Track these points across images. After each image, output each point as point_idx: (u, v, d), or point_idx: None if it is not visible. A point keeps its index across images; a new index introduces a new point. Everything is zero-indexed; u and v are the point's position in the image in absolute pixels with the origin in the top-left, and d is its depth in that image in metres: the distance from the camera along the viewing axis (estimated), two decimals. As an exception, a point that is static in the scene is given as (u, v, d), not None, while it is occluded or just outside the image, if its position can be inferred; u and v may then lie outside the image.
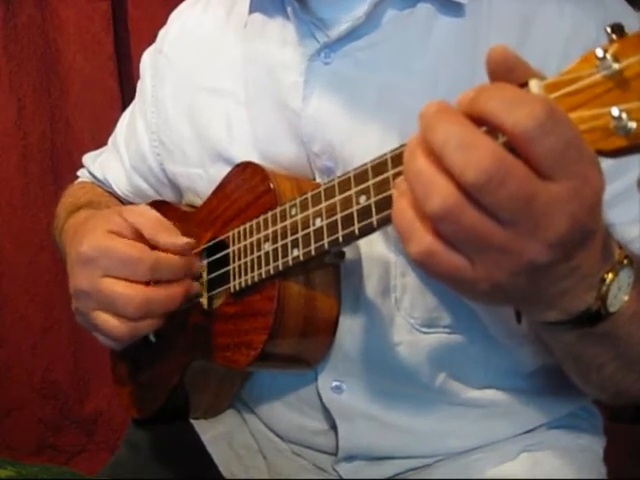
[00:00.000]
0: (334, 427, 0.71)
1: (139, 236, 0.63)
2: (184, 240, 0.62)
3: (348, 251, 0.63)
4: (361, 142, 0.63)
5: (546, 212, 0.36)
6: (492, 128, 0.37)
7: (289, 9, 0.68)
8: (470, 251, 0.38)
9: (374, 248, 0.65)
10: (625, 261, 0.45)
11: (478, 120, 0.37)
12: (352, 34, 0.64)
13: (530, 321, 0.53)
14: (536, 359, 0.67)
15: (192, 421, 0.81)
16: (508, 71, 0.39)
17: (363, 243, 0.64)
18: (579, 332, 0.48)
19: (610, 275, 0.44)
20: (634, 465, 1.19)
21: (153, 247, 0.62)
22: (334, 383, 0.69)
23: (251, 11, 0.73)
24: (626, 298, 0.46)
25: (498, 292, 0.40)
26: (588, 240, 0.40)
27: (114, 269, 0.61)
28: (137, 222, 0.63)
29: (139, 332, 0.62)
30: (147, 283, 0.61)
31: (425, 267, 0.40)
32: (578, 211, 0.37)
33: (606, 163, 0.38)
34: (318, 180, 0.67)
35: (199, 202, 0.75)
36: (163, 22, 0.86)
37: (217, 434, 0.79)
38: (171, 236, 0.62)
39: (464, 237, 0.38)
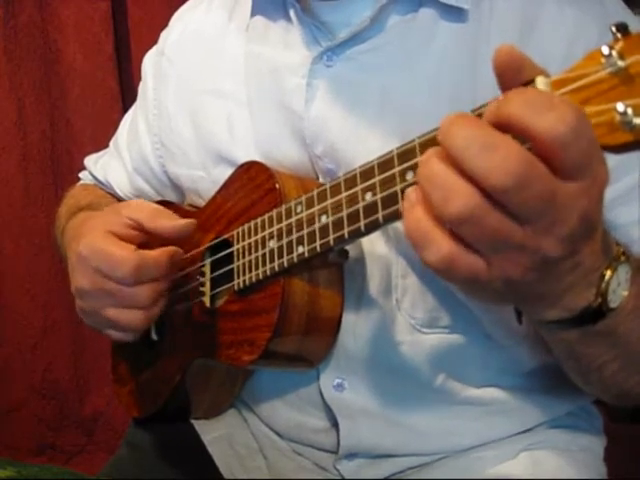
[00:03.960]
0: (335, 425, 0.71)
1: (139, 230, 0.63)
2: (184, 221, 0.62)
3: (351, 251, 0.63)
4: (363, 145, 0.64)
5: (561, 209, 0.37)
6: (518, 133, 0.36)
7: (292, 12, 0.68)
8: (487, 251, 0.39)
9: (376, 249, 0.65)
10: (622, 257, 0.46)
11: (503, 127, 0.36)
12: (355, 38, 0.64)
13: (531, 321, 0.53)
14: (535, 358, 0.68)
15: (193, 421, 0.80)
16: (516, 72, 0.39)
17: (365, 244, 0.65)
18: (580, 331, 0.48)
19: (609, 271, 0.45)
20: (634, 465, 1.19)
21: (156, 238, 0.62)
22: (336, 381, 0.69)
23: (253, 14, 0.73)
24: (625, 293, 0.47)
25: (509, 290, 0.41)
26: (591, 234, 0.41)
27: (102, 268, 0.61)
28: (135, 215, 0.63)
29: (153, 316, 0.63)
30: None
31: (444, 274, 0.40)
32: (587, 206, 0.37)
33: (608, 165, 0.39)
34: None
35: (201, 203, 0.75)
36: (163, 22, 0.86)
37: (218, 435, 0.79)
38: (171, 220, 0.62)
39: (484, 238, 0.38)
